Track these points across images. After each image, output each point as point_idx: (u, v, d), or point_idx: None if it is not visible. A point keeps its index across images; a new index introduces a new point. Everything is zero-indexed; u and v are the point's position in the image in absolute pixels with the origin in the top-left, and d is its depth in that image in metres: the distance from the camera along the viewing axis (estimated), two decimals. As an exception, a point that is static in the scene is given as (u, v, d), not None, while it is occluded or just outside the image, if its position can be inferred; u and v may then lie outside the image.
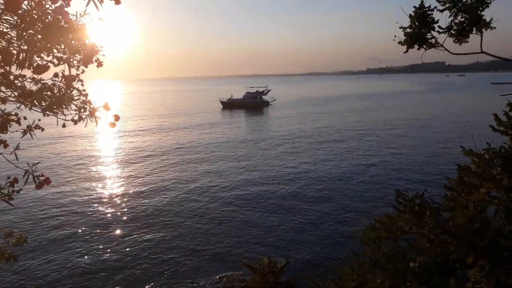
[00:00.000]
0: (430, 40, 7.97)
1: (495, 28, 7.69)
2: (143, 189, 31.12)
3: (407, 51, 8.24)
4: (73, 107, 4.06)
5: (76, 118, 4.12)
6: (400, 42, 8.18)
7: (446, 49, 7.98)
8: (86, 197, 28.91)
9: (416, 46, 8.06)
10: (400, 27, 8.18)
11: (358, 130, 60.17)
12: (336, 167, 37.19)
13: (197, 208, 26.68)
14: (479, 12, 7.47)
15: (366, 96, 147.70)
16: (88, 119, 4.22)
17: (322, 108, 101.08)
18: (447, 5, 7.81)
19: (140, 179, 33.89)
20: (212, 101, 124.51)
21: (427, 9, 7.93)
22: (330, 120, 74.13)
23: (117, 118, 4.48)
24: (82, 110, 4.13)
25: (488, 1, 7.39)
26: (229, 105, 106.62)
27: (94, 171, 37.17)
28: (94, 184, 32.63)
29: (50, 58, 3.53)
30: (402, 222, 7.16)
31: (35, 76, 3.76)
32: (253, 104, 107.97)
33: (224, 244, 21.18)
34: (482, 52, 7.80)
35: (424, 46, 7.98)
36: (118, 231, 23.04)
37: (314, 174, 34.74)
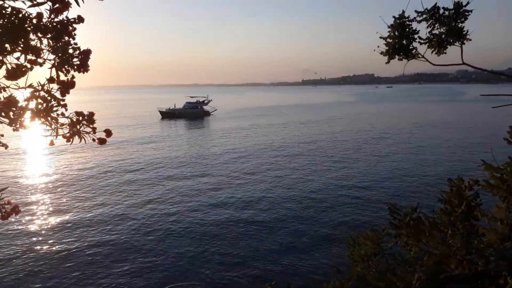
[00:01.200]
0: (412, 51, 7.94)
1: (470, 40, 7.84)
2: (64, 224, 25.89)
3: (388, 61, 8.15)
4: (64, 120, 3.28)
5: (65, 132, 3.35)
6: (382, 53, 8.08)
7: (427, 60, 7.99)
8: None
9: (397, 57, 8.02)
10: (381, 37, 8.10)
11: (305, 143, 60.73)
12: (293, 181, 36.66)
13: (135, 244, 22.82)
14: (458, 24, 7.55)
15: (304, 106, 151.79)
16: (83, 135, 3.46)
17: (263, 118, 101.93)
18: (425, 16, 7.83)
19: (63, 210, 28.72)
20: (147, 112, 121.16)
21: (406, 19, 7.90)
22: (272, 131, 74.80)
23: (109, 133, 3.73)
24: (77, 125, 3.36)
25: (467, 14, 7.49)
26: (169, 115, 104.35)
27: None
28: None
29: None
30: (395, 237, 6.93)
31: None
32: (194, 114, 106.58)
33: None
34: (463, 63, 7.87)
35: (406, 57, 7.94)
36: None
37: (272, 191, 33.17)
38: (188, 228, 24.85)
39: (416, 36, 7.90)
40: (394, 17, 8.02)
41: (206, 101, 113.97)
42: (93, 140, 3.49)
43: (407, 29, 7.93)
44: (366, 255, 7.37)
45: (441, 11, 7.72)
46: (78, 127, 3.44)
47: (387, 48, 8.01)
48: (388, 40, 8.04)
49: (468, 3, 7.44)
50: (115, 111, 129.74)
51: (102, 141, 3.70)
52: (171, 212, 27.91)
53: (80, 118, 3.40)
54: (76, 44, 3.03)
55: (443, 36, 7.74)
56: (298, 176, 37.76)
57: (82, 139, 3.54)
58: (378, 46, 8.08)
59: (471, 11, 7.48)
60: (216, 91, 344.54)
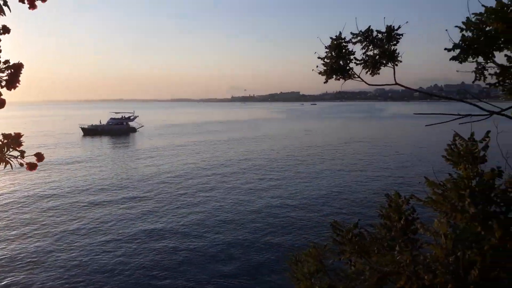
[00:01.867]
0: (349, 72, 8.22)
1: (401, 61, 8.31)
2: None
3: (326, 81, 8.37)
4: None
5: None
6: (320, 73, 8.28)
7: (363, 80, 8.32)
8: None
9: (334, 77, 8.26)
10: (319, 57, 8.31)
11: (238, 161, 60.60)
12: (232, 200, 36.36)
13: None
14: (391, 47, 7.98)
15: (234, 123, 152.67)
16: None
17: (193, 135, 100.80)
18: (359, 38, 8.18)
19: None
20: (67, 128, 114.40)
21: (343, 40, 8.20)
22: (202, 148, 74.05)
23: (40, 157, 3.32)
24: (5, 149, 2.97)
25: (398, 37, 7.94)
26: (91, 132, 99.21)
27: None
28: None
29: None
30: (339, 254, 7.00)
31: None
32: (119, 130, 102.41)
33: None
34: (396, 83, 8.29)
35: (343, 77, 8.20)
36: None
37: (207, 214, 32.30)
38: (120, 263, 22.99)
39: (352, 57, 8.22)
40: (331, 38, 8.27)
41: (132, 117, 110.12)
42: (21, 165, 3.08)
43: (344, 50, 8.23)
44: (309, 272, 7.35)
45: (375, 33, 8.12)
46: (4, 150, 3.03)
47: (325, 68, 8.25)
48: (326, 60, 8.28)
49: (399, 27, 7.90)
50: (33, 129, 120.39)
51: (32, 167, 3.27)
52: (99, 242, 25.95)
53: (8, 141, 3.00)
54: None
55: (377, 57, 8.13)
56: (232, 197, 37.27)
57: (8, 164, 3.12)
58: (317, 66, 8.28)
59: (402, 34, 7.94)
60: (142, 107, 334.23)
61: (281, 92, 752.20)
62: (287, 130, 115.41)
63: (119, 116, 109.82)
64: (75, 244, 25.50)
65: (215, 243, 25.75)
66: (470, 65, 6.85)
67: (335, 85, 8.73)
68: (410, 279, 4.36)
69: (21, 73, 3.06)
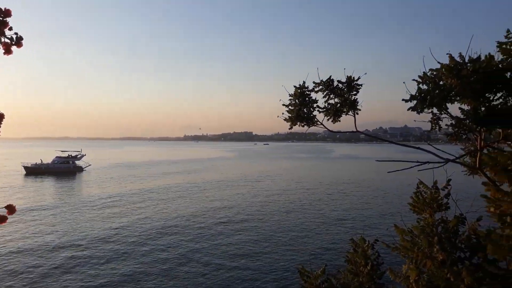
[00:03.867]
0: (313, 119, 8.53)
1: (360, 110, 8.76)
2: None
3: (291, 127, 8.63)
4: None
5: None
6: (286, 119, 8.52)
7: (325, 127, 8.65)
8: None
9: (299, 123, 8.53)
10: (283, 105, 8.58)
11: (191, 203, 59.72)
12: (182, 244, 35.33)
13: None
14: (351, 96, 8.41)
15: (186, 161, 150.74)
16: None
17: (143, 175, 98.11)
18: (321, 87, 8.57)
19: None
20: (8, 168, 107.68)
21: (306, 89, 8.55)
22: (151, 189, 72.13)
23: (11, 210, 3.18)
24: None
25: (358, 87, 8.41)
26: (35, 171, 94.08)
27: None
28: None
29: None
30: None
31: None
32: (64, 169, 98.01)
33: None
34: (357, 131, 8.67)
35: (307, 124, 8.49)
36: None
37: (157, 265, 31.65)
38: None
39: (315, 105, 8.57)
40: (295, 86, 8.62)
41: (79, 156, 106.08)
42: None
43: (307, 98, 8.58)
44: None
45: (335, 83, 8.55)
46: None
47: (290, 115, 8.53)
48: (291, 107, 8.58)
49: (359, 78, 8.38)
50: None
51: (2, 220, 3.11)
52: None
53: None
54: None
55: (338, 105, 8.53)
56: (183, 243, 35.69)
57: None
58: (283, 113, 8.55)
59: (361, 85, 8.41)
60: (90, 145, 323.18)
61: (234, 131, 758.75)
62: (242, 171, 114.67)
63: (65, 154, 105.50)
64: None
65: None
66: (426, 115, 7.38)
67: (286, 125, 9.01)
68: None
69: (1, 123, 2.95)
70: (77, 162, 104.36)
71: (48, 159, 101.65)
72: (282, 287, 24.02)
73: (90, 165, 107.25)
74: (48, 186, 73.29)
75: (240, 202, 55.00)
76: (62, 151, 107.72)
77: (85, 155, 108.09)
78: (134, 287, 24.48)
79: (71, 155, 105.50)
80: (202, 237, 35.79)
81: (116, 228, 39.03)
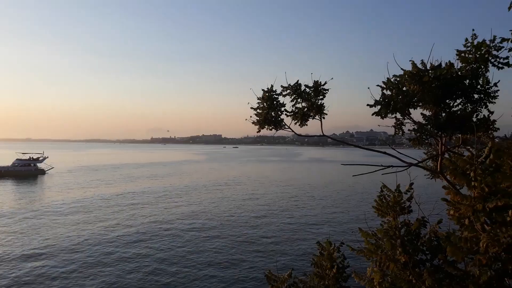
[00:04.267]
0: (281, 123, 8.58)
1: (327, 114, 8.88)
2: None
3: (259, 131, 8.64)
4: None
5: None
6: (254, 123, 8.53)
7: (293, 131, 8.72)
8: None
9: (267, 126, 8.54)
10: (252, 108, 8.57)
11: (159, 210, 58.75)
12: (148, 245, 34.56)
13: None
14: (317, 101, 8.50)
15: (154, 164, 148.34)
16: None
17: (108, 178, 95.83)
18: (289, 91, 8.63)
19: None
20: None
21: (274, 93, 8.58)
22: (115, 192, 70.57)
23: None
24: None
25: (325, 92, 8.52)
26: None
27: None
28: None
29: None
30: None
31: None
32: (25, 172, 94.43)
33: None
34: (323, 135, 8.77)
35: (275, 127, 8.53)
36: None
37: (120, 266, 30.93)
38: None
39: (283, 109, 8.62)
40: (263, 89, 8.64)
41: (41, 158, 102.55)
42: None
43: (275, 102, 8.62)
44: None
45: (303, 87, 8.63)
46: None
47: (258, 118, 8.54)
48: (258, 111, 8.60)
49: (325, 82, 8.49)
50: None
51: None
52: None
53: None
54: None
55: (305, 110, 8.62)
56: (154, 253, 34.88)
57: None
58: (251, 116, 8.56)
59: (327, 90, 8.52)
60: (53, 147, 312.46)
61: (202, 134, 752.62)
62: (210, 175, 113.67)
63: (26, 157, 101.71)
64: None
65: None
66: (390, 119, 7.57)
67: (256, 128, 9.05)
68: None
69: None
70: (39, 164, 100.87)
71: (8, 161, 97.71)
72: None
73: (52, 167, 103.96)
74: (8, 190, 70.20)
75: (208, 207, 54.49)
76: (23, 153, 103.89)
77: (47, 157, 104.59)
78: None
79: (32, 158, 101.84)
80: (169, 244, 35.12)
81: (80, 236, 37.56)
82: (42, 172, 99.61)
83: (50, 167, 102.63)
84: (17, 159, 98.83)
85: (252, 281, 25.83)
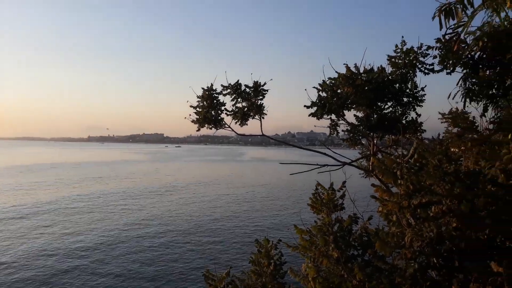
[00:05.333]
0: (221, 122, 8.56)
1: (266, 114, 8.99)
2: None
3: (199, 129, 8.56)
4: None
5: None
6: (193, 121, 8.44)
7: (233, 130, 8.73)
8: None
9: (207, 125, 8.49)
10: (191, 106, 8.48)
11: (89, 206, 56.30)
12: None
13: None
14: (257, 101, 8.59)
15: (91, 163, 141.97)
16: None
17: (39, 178, 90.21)
18: (229, 90, 8.65)
19: None
20: None
21: (214, 92, 8.55)
22: (47, 191, 66.77)
23: None
24: None
25: (264, 92, 8.62)
26: None
27: None
28: None
29: None
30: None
31: None
32: None
33: None
34: (262, 135, 8.87)
35: (215, 126, 8.49)
36: None
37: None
38: None
39: (223, 108, 8.62)
40: (203, 88, 8.58)
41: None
42: None
43: (215, 101, 8.59)
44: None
45: (243, 87, 8.69)
46: None
47: (197, 117, 8.47)
48: (198, 109, 8.53)
49: (265, 83, 8.60)
50: None
51: None
52: None
53: None
54: None
55: (246, 109, 8.68)
56: (81, 236, 34.32)
57: None
58: (190, 115, 8.47)
59: (267, 90, 8.64)
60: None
61: (144, 133, 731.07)
62: (150, 176, 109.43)
63: None
64: None
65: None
66: (327, 120, 7.84)
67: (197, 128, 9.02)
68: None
69: None
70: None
71: None
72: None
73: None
74: None
75: (147, 209, 53.13)
76: None
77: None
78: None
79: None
80: (107, 247, 33.71)
81: (17, 247, 34.63)
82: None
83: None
84: None
85: (190, 281, 25.59)
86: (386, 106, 7.95)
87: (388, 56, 7.82)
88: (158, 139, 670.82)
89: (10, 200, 56.69)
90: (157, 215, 47.07)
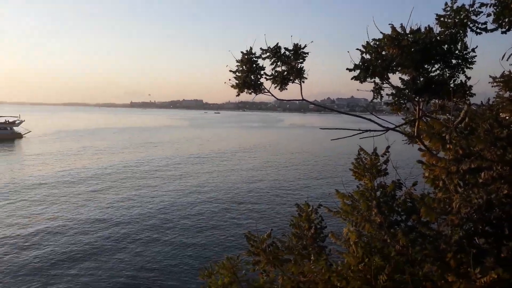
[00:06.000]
0: (260, 86, 8.47)
1: (307, 78, 8.81)
2: None
3: (238, 94, 8.53)
4: None
5: None
6: (232, 86, 8.40)
7: (272, 95, 8.64)
8: None
9: (246, 90, 8.44)
10: (230, 71, 8.42)
11: (138, 168, 58.39)
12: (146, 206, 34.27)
13: None
14: (297, 64, 8.40)
15: (135, 129, 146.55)
16: None
17: (88, 142, 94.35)
18: (268, 54, 8.48)
19: None
20: None
21: (253, 55, 8.42)
22: (98, 156, 69.84)
23: None
24: None
25: (304, 55, 8.40)
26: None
27: None
28: None
29: None
30: (253, 265, 7.11)
31: None
32: (1, 136, 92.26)
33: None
34: (303, 99, 8.74)
35: (254, 91, 8.42)
36: None
37: (107, 227, 30.07)
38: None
39: (262, 72, 8.50)
40: (242, 52, 8.46)
41: (17, 121, 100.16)
42: None
43: (254, 65, 8.47)
44: (223, 285, 7.35)
45: (283, 50, 8.49)
46: None
47: (237, 81, 8.41)
48: (238, 74, 8.45)
49: (305, 46, 8.36)
50: None
51: None
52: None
53: None
54: None
55: (285, 73, 8.52)
56: (135, 203, 35.94)
57: None
58: (230, 80, 8.42)
59: (307, 53, 8.41)
60: (31, 111, 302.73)
61: (183, 99, 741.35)
62: (195, 142, 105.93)
63: (1, 120, 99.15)
64: None
65: (119, 255, 24.53)
66: (369, 85, 7.56)
67: (237, 94, 8.96)
68: (325, 286, 4.62)
69: None
70: (15, 128, 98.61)
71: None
72: (234, 248, 24.49)
73: (30, 131, 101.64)
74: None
75: (191, 174, 54.54)
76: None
77: (23, 121, 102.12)
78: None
79: (8, 121, 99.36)
80: (160, 214, 34.83)
81: (68, 215, 35.17)
82: (19, 135, 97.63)
83: (27, 131, 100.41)
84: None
85: (232, 243, 26.65)
86: (434, 69, 7.55)
87: (437, 15, 7.35)
88: (197, 105, 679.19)
89: (62, 165, 59.89)
90: (201, 182, 48.17)
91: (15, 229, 28.75)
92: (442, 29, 7.38)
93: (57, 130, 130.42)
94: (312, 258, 5.41)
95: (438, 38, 7.31)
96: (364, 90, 7.67)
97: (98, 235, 27.96)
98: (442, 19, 7.34)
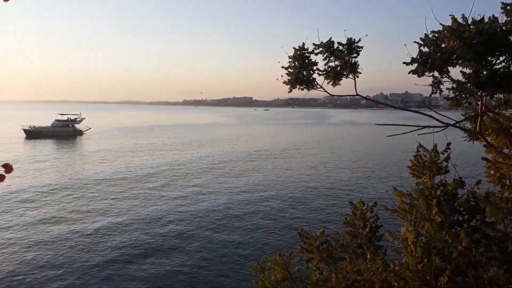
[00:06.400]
0: (313, 82, 8.39)
1: (361, 73, 8.61)
2: None
3: (291, 90, 8.51)
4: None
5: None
6: (285, 82, 8.39)
7: (325, 91, 8.53)
8: None
9: (298, 86, 8.40)
10: (282, 67, 8.41)
11: (192, 165, 59.83)
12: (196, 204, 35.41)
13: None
14: (351, 59, 8.23)
15: (187, 126, 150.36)
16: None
17: (143, 139, 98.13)
18: (321, 49, 8.37)
19: None
20: (9, 130, 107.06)
21: (306, 51, 8.35)
22: (154, 152, 72.39)
23: (9, 169, 3.21)
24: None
25: (358, 49, 8.21)
26: (35, 134, 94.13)
27: None
28: None
29: None
30: (307, 262, 7.08)
31: None
32: (64, 133, 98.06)
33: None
34: (357, 95, 8.57)
35: (307, 87, 8.36)
36: None
37: (164, 219, 31.57)
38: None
39: (315, 67, 8.39)
40: (294, 48, 8.41)
41: (78, 119, 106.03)
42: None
43: (307, 61, 8.39)
44: (276, 281, 7.36)
45: (336, 45, 8.34)
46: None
47: (289, 78, 8.38)
48: (290, 70, 8.41)
49: (360, 40, 8.17)
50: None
51: (0, 178, 3.17)
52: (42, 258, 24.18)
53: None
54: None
55: (338, 68, 8.36)
56: (190, 201, 36.85)
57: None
58: (282, 76, 8.40)
59: (362, 47, 8.21)
60: (89, 109, 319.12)
61: (233, 96, 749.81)
62: (246, 139, 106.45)
63: (64, 118, 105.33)
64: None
65: (174, 253, 25.26)
66: (427, 79, 7.25)
67: (286, 91, 8.90)
68: (382, 286, 4.50)
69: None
70: (76, 125, 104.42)
71: (47, 122, 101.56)
72: (286, 245, 24.49)
73: (90, 128, 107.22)
74: (49, 151, 73.32)
75: (244, 173, 54.78)
76: (61, 114, 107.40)
77: (84, 118, 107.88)
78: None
79: (70, 119, 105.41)
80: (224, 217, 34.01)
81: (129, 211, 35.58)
82: (80, 133, 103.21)
83: (87, 128, 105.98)
84: (56, 120, 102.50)
85: (286, 237, 26.97)
86: (498, 61, 7.09)
87: (502, 3, 6.89)
88: (247, 102, 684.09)
89: (119, 162, 62.75)
90: (253, 180, 48.32)
91: (77, 225, 30.30)
92: (508, 18, 6.92)
93: (115, 127, 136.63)
94: (368, 257, 5.29)
95: (503, 28, 6.86)
96: (420, 84, 7.37)
97: (155, 233, 28.68)
98: (508, 7, 6.88)
